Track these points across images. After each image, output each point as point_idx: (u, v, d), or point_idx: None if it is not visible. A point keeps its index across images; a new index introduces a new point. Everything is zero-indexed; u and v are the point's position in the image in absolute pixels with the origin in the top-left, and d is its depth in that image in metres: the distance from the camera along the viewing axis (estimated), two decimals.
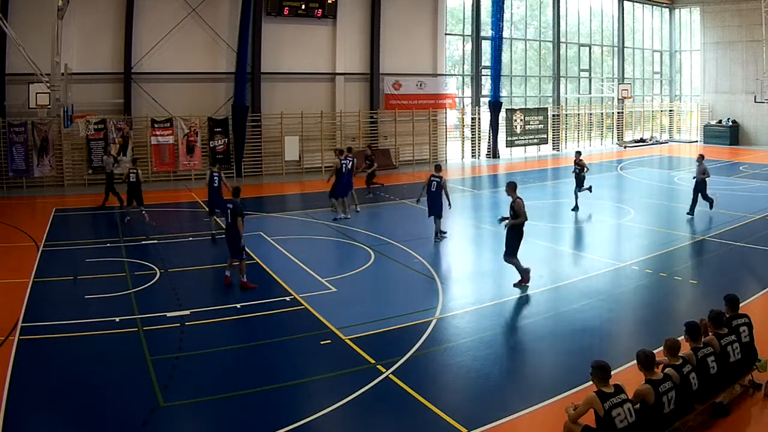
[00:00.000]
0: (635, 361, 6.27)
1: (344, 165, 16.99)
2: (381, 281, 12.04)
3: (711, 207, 16.94)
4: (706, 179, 16.66)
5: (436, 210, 14.49)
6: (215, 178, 15.03)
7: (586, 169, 18.23)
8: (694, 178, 16.97)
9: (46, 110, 20.22)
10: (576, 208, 18.02)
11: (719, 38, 36.77)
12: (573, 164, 18.43)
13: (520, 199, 11.00)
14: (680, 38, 40.41)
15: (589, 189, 18.31)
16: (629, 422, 5.65)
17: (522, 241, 11.14)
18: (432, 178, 14.65)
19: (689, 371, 6.43)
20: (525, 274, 11.15)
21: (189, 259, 13.39)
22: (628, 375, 7.08)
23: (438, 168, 15.06)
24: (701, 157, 16.94)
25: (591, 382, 6.02)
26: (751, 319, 7.50)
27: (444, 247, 14.92)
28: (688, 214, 16.75)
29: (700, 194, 16.66)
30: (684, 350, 6.74)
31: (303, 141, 26.27)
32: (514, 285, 11.16)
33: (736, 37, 35.84)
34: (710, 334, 7.19)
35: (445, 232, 14.96)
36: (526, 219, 11.01)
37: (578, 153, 18.91)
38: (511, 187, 11.19)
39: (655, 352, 6.40)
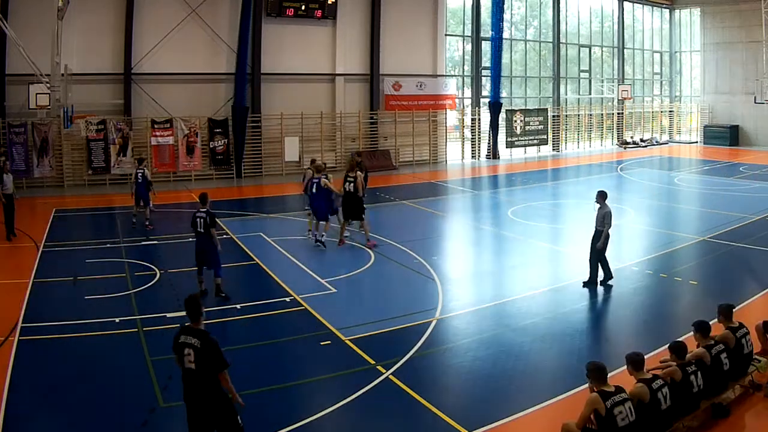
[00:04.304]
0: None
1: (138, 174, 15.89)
2: (381, 282, 12.04)
3: None
4: None
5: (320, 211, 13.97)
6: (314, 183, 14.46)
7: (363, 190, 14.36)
8: None
9: (46, 111, 20.23)
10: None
11: (719, 39, 36.77)
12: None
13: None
14: (680, 39, 40.43)
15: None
16: (630, 421, 5.66)
17: None
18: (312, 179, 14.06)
19: (693, 371, 6.49)
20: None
21: (189, 260, 13.34)
22: (628, 376, 7.07)
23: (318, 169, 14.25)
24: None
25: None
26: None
27: (444, 248, 14.93)
28: None
29: None
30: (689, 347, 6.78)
31: (303, 142, 26.28)
32: None
33: (736, 37, 35.84)
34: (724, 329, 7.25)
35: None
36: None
37: (355, 154, 15.41)
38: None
39: (659, 352, 6.42)
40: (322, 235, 13.97)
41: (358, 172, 14.22)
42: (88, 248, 14.11)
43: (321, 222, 14.04)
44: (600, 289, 11.10)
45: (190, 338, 5.49)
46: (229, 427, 5.51)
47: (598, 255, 10.97)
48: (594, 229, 11.07)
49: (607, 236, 10.85)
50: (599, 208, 10.99)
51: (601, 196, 11.04)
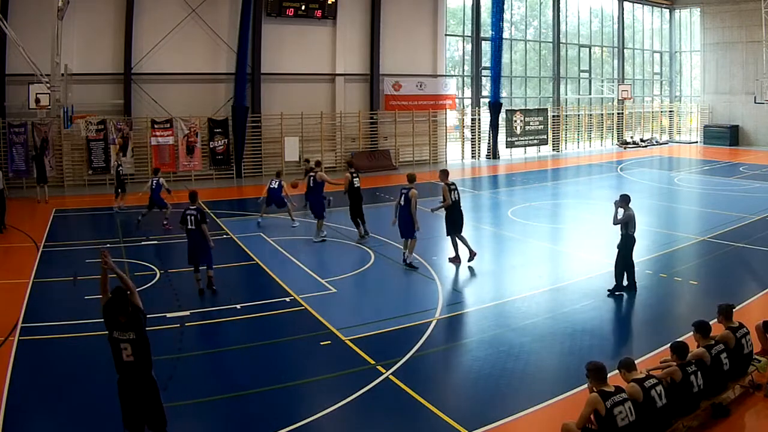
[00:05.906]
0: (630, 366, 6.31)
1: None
2: (381, 282, 12.03)
3: None
4: None
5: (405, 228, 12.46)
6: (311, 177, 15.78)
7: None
8: None
9: (46, 111, 20.23)
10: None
11: (719, 39, 36.78)
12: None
13: (447, 185, 12.63)
14: (680, 39, 40.45)
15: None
16: (630, 420, 5.67)
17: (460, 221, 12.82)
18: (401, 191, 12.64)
19: (693, 371, 6.49)
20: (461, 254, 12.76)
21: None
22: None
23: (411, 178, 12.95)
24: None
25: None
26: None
27: (444, 248, 14.90)
28: None
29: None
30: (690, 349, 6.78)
31: (303, 142, 26.27)
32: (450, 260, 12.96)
33: (736, 37, 35.86)
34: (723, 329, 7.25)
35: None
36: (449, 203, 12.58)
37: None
38: (444, 174, 13.05)
39: (659, 352, 6.42)
40: (408, 255, 12.49)
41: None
42: (88, 248, 14.10)
43: (409, 240, 12.49)
44: (599, 288, 11.09)
45: (123, 334, 5.67)
46: (158, 418, 5.89)
47: (624, 260, 10.74)
48: (619, 235, 10.74)
49: (631, 240, 10.69)
50: (623, 212, 10.61)
51: (624, 200, 10.63)
